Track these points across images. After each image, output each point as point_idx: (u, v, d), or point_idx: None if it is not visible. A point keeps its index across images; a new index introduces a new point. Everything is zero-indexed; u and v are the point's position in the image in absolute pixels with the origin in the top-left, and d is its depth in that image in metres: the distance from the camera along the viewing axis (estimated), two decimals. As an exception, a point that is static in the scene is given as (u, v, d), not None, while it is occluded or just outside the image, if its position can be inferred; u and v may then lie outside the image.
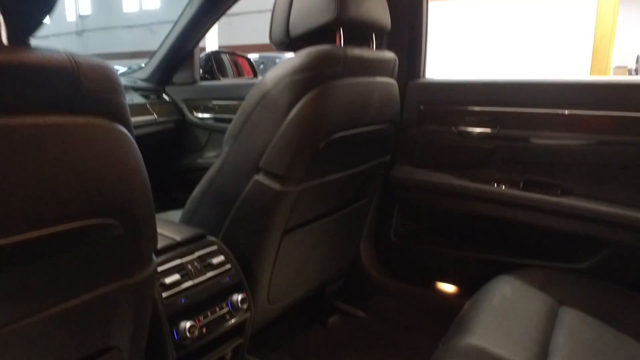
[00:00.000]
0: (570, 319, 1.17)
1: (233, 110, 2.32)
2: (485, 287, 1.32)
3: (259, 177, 1.21)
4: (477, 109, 1.65)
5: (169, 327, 1.04)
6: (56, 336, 0.69)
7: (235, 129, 1.26)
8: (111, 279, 0.73)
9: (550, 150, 1.55)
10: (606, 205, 1.45)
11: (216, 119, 2.32)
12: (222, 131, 2.36)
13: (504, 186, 1.60)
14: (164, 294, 1.06)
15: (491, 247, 1.69)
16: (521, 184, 1.57)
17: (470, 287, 1.40)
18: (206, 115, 2.35)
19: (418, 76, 1.79)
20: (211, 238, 1.25)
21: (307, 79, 1.16)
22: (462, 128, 1.67)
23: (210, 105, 2.34)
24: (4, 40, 0.57)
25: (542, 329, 1.11)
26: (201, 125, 2.36)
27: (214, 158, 2.32)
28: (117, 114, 0.67)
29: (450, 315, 1.31)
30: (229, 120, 2.29)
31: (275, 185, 1.19)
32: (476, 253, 1.70)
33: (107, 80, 0.65)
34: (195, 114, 2.37)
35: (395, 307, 1.85)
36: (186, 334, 1.05)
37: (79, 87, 0.61)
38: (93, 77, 0.63)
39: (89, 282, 0.70)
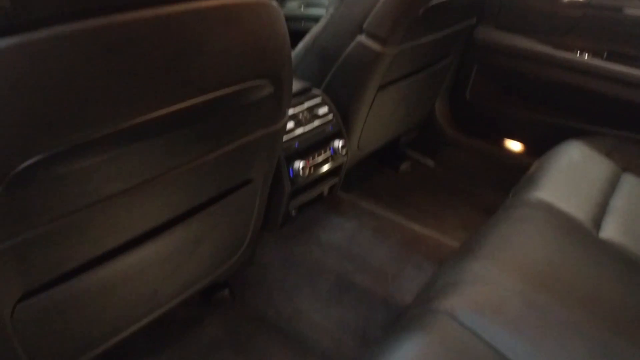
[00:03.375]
0: (630, 185, 1.28)
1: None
2: (555, 149, 1.42)
3: (362, 38, 1.32)
4: None
5: (286, 166, 1.25)
6: (219, 171, 0.90)
7: None
8: (258, 128, 0.91)
9: None
10: None
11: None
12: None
13: (586, 55, 1.64)
14: (283, 139, 1.25)
15: (563, 112, 1.77)
16: (605, 55, 1.61)
17: (537, 147, 1.49)
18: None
19: None
20: (316, 91, 1.40)
21: None
22: (553, -8, 1.67)
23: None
24: None
25: (603, 192, 1.24)
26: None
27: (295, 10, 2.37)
28: None
29: (513, 170, 1.41)
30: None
31: (376, 46, 1.30)
32: (547, 116, 1.79)
33: None
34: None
35: (463, 159, 2.02)
36: (299, 172, 1.27)
37: None
38: None
39: (244, 131, 0.89)
